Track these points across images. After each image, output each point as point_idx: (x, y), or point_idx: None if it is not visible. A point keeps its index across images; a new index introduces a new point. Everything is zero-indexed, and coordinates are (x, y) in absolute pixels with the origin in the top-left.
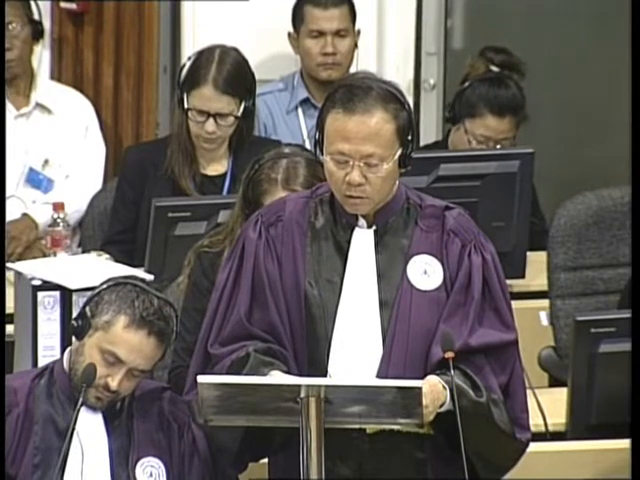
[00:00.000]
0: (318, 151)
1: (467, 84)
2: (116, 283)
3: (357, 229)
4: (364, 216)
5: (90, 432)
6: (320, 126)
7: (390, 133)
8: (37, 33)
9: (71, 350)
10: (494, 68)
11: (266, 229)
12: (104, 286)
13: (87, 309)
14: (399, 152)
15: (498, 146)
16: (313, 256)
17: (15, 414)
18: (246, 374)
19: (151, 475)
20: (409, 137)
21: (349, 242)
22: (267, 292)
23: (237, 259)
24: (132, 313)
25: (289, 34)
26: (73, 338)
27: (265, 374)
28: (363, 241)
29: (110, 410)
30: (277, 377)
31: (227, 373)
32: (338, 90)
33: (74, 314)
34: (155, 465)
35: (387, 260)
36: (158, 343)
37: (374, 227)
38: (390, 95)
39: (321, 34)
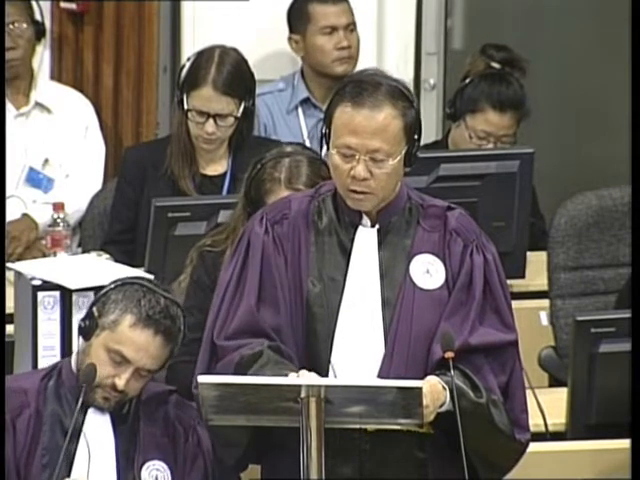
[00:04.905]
0: (324, 145)
1: (468, 80)
2: (123, 283)
3: (360, 228)
4: (367, 215)
5: (97, 433)
6: (328, 120)
7: (397, 129)
8: (39, 33)
9: (79, 351)
10: (495, 65)
11: (271, 226)
12: (111, 286)
13: (94, 309)
14: (405, 150)
15: (499, 143)
16: (316, 254)
17: (27, 414)
18: (255, 372)
19: (157, 478)
20: (415, 135)
21: (352, 241)
22: (278, 287)
23: (243, 253)
24: (138, 312)
25: (289, 37)
26: (80, 339)
27: (276, 373)
28: (366, 240)
29: (117, 412)
30: (292, 378)
31: (235, 367)
32: (347, 85)
33: (74, 314)
34: (160, 468)
35: (390, 259)
36: (165, 342)
37: (377, 226)
38: (399, 92)
39: (334, 29)
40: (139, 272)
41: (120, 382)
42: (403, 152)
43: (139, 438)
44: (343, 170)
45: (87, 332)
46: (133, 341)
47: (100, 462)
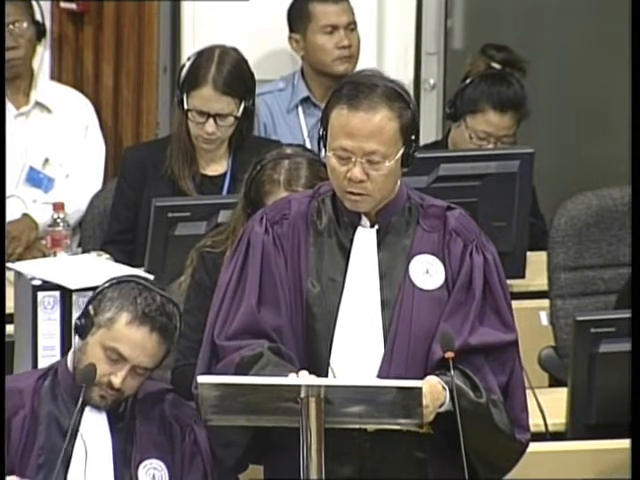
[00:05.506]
0: (322, 147)
1: (469, 81)
2: (119, 281)
3: (360, 228)
4: (366, 215)
5: (94, 432)
6: (324, 121)
7: (394, 131)
8: (40, 33)
9: (75, 350)
10: (495, 65)
11: (271, 226)
12: (107, 284)
13: (90, 307)
14: (402, 151)
15: (499, 143)
16: (316, 255)
17: (21, 415)
18: (255, 373)
19: (154, 477)
20: (412, 136)
21: (352, 241)
22: (278, 286)
23: (243, 253)
24: (134, 310)
25: (290, 36)
26: (76, 337)
27: (276, 375)
28: (365, 240)
29: (114, 411)
30: (292, 378)
31: (236, 368)
32: (344, 86)
33: (74, 314)
34: (158, 467)
35: (389, 259)
36: (161, 340)
37: (376, 226)
38: (395, 93)
39: (335, 28)
40: (139, 272)
41: (116, 380)
42: (400, 153)
43: (136, 437)
44: (340, 172)
45: (83, 330)
46: (129, 338)
47: (97, 461)
